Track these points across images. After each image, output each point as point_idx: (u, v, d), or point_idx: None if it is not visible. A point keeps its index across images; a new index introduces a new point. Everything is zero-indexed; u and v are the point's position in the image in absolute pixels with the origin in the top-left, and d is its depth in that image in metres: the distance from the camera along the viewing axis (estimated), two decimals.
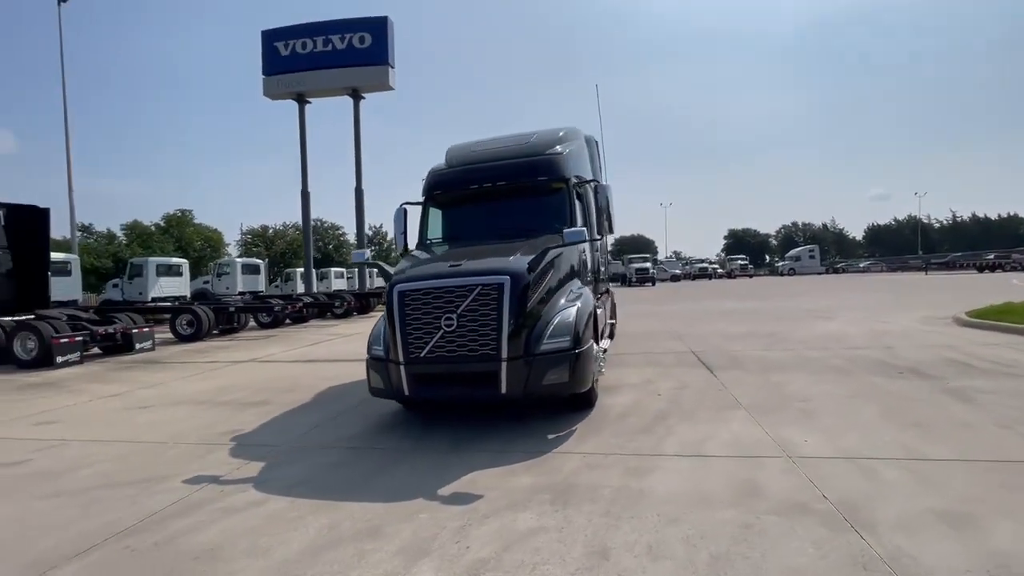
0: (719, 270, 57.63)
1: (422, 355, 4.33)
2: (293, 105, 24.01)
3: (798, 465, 3.42)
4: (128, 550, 2.79)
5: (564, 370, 4.33)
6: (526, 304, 4.33)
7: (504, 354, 4.19)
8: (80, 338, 10.06)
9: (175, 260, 23.14)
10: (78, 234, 35.52)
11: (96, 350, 11.16)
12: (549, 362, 4.29)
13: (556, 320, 4.49)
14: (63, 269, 16.41)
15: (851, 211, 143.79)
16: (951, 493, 2.91)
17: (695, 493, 3.10)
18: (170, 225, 42.93)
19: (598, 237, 6.33)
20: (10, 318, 10.29)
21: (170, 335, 13.35)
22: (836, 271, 58.90)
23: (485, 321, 4.24)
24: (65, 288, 16.10)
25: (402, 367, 4.38)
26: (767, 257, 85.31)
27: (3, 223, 11.87)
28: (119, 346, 11.15)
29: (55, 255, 15.95)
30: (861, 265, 64.09)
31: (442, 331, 4.29)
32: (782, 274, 54.67)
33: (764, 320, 11.89)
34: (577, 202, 6.13)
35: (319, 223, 55.11)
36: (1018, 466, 3.22)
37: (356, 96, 23.44)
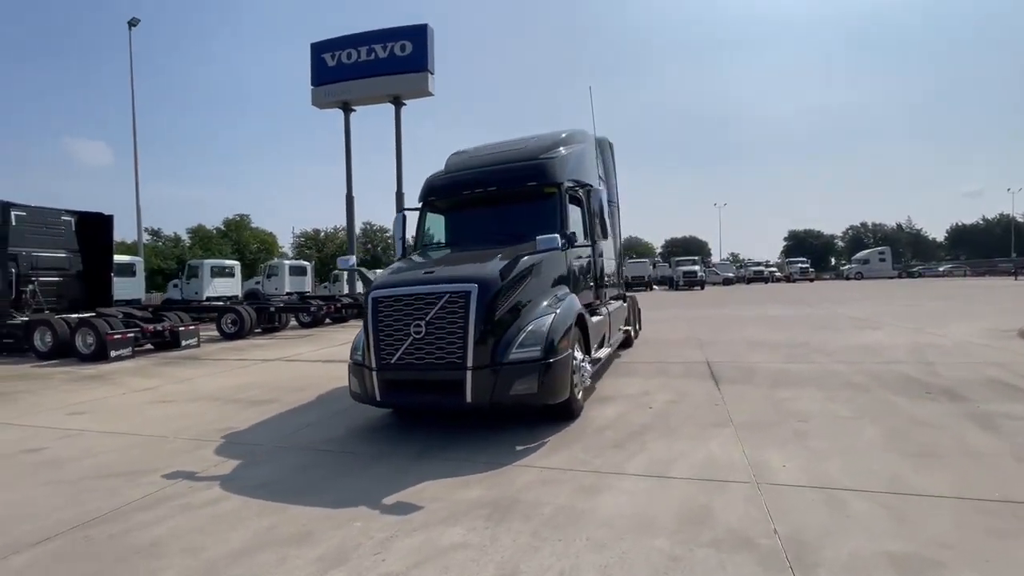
0: (777, 273, 54.61)
1: (392, 361, 4.38)
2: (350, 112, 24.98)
3: (763, 492, 3.17)
4: (85, 540, 2.99)
5: (532, 380, 4.24)
6: (495, 312, 4.28)
7: (470, 363, 4.16)
8: (131, 335, 10.93)
9: (228, 262, 24.79)
10: (148, 237, 39.00)
11: (149, 346, 12.09)
12: (517, 372, 4.22)
13: (529, 328, 4.41)
14: (128, 270, 18.00)
15: (934, 210, 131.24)
16: (922, 535, 2.59)
17: (638, 517, 2.93)
18: (229, 229, 46.24)
19: (588, 243, 6.11)
20: (76, 315, 11.35)
21: (218, 332, 14.26)
22: (911, 275, 54.28)
23: (452, 329, 4.22)
24: (130, 288, 17.63)
25: (374, 372, 4.45)
26: (832, 260, 79.87)
27: (74, 229, 13.15)
28: (168, 342, 12.02)
29: (121, 257, 17.53)
30: (941, 269, 58.66)
31: (411, 338, 4.32)
32: (847, 278, 51.01)
33: (803, 328, 11.14)
34: (573, 207, 6.01)
35: (368, 226, 57.24)
36: (1017, 508, 2.82)
37: (397, 103, 24.09)
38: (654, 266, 44.74)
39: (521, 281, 4.61)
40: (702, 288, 37.62)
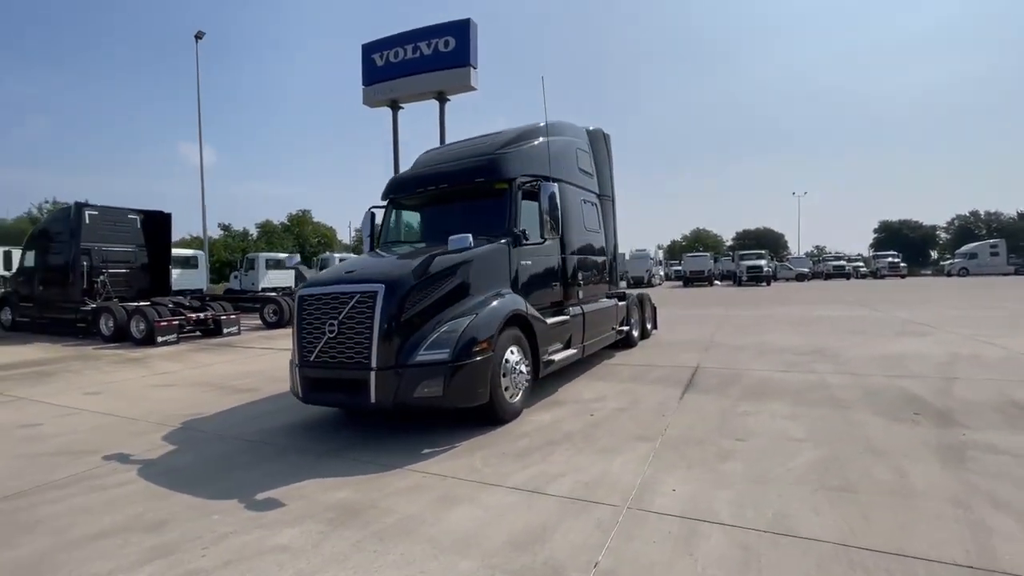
0: (862, 268, 49.69)
1: (311, 359, 4.49)
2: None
3: (623, 519, 2.91)
4: None
5: (438, 383, 4.17)
6: (402, 314, 4.26)
7: (374, 363, 4.17)
8: (176, 322, 12.06)
9: (282, 255, 26.63)
10: (220, 232, 42.62)
11: (198, 333, 13.25)
12: (422, 374, 4.18)
13: (442, 330, 4.34)
14: (191, 263, 19.92)
15: None
16: None
17: (471, 535, 2.81)
18: (292, 223, 49.55)
19: (544, 239, 5.81)
20: (133, 303, 12.69)
21: (261, 321, 15.33)
22: None
23: (360, 329, 4.26)
24: (192, 279, 19.45)
25: (297, 369, 4.59)
26: (932, 254, 71.14)
27: (139, 226, 14.66)
28: (212, 330, 13.12)
29: (184, 251, 19.44)
30: None
31: (326, 337, 4.40)
32: (949, 274, 45.30)
33: (837, 332, 10.06)
34: (528, 203, 5.80)
35: None
36: (896, 562, 2.38)
37: (442, 99, 24.42)
38: (716, 260, 42.15)
39: (439, 281, 4.54)
40: (768, 284, 35.05)
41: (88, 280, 13.12)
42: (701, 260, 38.71)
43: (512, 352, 4.89)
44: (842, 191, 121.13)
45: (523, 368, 4.95)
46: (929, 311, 13.86)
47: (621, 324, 8.51)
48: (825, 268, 46.54)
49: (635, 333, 9.30)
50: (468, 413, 4.65)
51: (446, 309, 4.51)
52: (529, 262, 5.59)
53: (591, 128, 8.00)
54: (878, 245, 68.43)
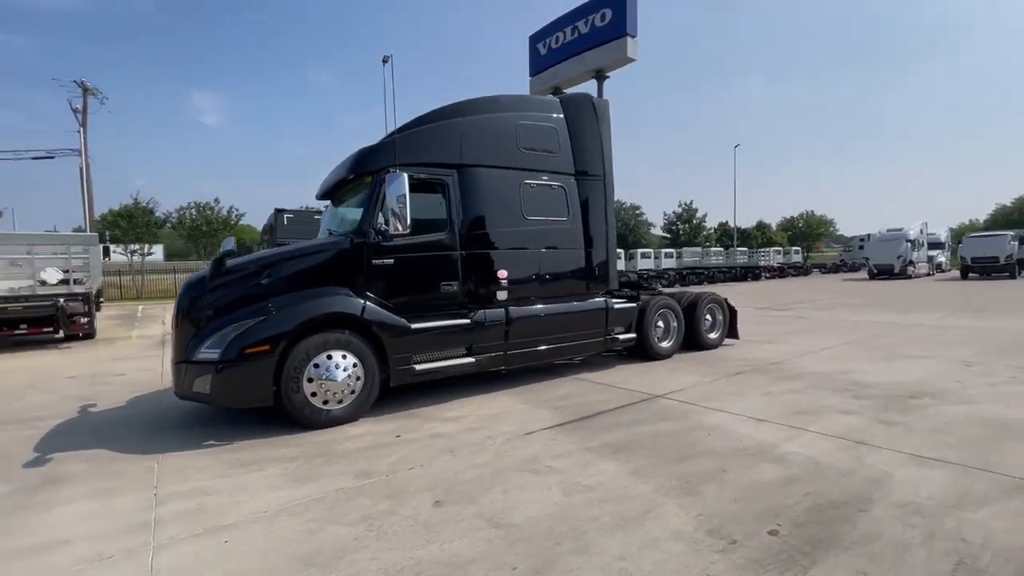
0: None
1: None
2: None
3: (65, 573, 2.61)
4: None
5: (207, 381, 4.31)
6: (193, 311, 4.53)
7: (172, 355, 4.56)
8: None
9: None
10: None
11: None
12: (196, 371, 4.38)
13: (223, 330, 4.43)
14: None
15: None
16: None
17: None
18: None
19: (403, 235, 5.05)
20: None
21: None
22: None
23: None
24: None
25: None
26: None
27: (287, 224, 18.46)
28: None
29: None
30: None
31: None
32: None
33: (1011, 371, 6.02)
34: (423, 194, 5.32)
35: (619, 204, 57.20)
36: None
37: (600, 77, 22.94)
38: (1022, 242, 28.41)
39: (236, 282, 4.63)
40: (1013, 278, 23.16)
41: None
42: (991, 242, 26.88)
43: (330, 357, 4.65)
44: None
45: (340, 376, 4.64)
46: None
47: (625, 331, 6.95)
48: None
49: (665, 344, 7.47)
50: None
51: (244, 308, 4.55)
52: (391, 260, 5.14)
53: (569, 94, 6.65)
54: None
